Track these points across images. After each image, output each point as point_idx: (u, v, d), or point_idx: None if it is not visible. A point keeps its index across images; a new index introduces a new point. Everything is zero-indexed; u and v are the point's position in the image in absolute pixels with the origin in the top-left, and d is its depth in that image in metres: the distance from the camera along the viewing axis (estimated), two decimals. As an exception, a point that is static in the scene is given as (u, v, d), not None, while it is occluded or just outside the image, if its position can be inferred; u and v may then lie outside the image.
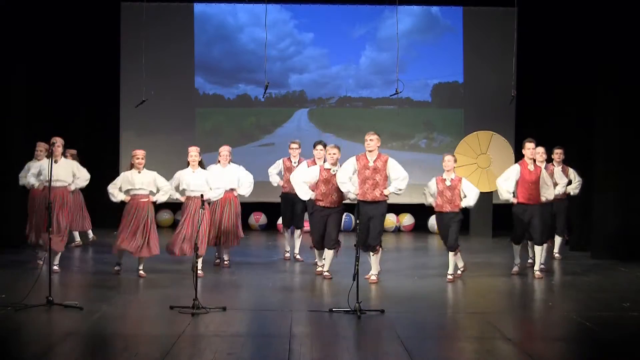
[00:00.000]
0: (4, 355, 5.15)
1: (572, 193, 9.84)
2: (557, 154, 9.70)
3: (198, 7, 13.90)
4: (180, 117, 13.83)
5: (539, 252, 8.64)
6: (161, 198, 8.36)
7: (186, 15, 13.84)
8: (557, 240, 10.00)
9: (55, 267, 8.12)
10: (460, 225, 8.42)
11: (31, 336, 5.64)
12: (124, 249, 8.09)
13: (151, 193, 8.30)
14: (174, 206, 13.91)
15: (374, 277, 8.10)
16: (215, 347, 5.29)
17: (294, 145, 9.69)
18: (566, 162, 9.74)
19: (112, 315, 6.33)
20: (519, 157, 12.90)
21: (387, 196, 8.02)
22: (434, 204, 8.48)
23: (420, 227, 13.83)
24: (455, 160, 8.47)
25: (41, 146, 9.32)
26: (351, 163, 8.10)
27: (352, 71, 14.04)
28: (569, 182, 9.77)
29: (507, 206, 13.45)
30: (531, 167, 8.64)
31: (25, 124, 10.47)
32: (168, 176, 8.56)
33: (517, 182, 8.62)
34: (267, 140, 13.66)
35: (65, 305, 6.44)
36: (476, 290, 7.91)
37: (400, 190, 8.02)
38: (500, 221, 13.09)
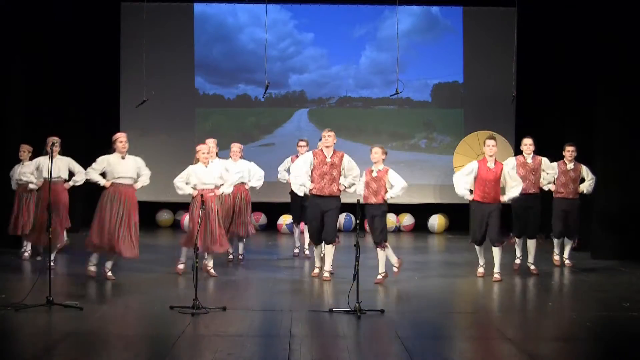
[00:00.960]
0: (4, 355, 5.15)
1: (585, 191, 9.41)
2: (569, 151, 9.32)
3: (198, 7, 13.90)
4: (180, 117, 13.84)
5: (497, 254, 8.30)
6: (227, 190, 8.44)
7: (186, 15, 13.84)
8: (567, 243, 9.51)
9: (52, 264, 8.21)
10: (385, 218, 8.23)
11: (31, 336, 5.64)
12: (200, 245, 7.78)
13: (215, 187, 8.28)
14: (174, 206, 13.92)
15: (326, 274, 8.19)
16: (215, 347, 5.29)
17: (302, 143, 9.80)
18: (579, 160, 9.37)
19: (112, 315, 6.32)
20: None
21: (340, 192, 8.21)
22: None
23: (420, 227, 13.83)
24: (385, 153, 8.25)
25: (24, 148, 9.38)
26: (308, 158, 8.27)
27: (352, 71, 14.04)
28: (582, 180, 9.40)
29: (507, 206, 13.49)
30: (490, 164, 8.34)
31: (25, 124, 10.47)
32: (170, 174, 8.55)
33: (475, 179, 8.40)
34: (267, 140, 13.66)
35: (65, 305, 6.43)
36: (476, 290, 7.91)
37: (393, 197, 8.19)
38: (500, 221, 13.09)
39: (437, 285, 8.06)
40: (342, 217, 13.37)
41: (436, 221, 13.57)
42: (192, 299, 6.40)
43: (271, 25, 12.71)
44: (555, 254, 9.46)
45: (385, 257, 8.12)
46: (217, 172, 8.35)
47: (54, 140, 8.18)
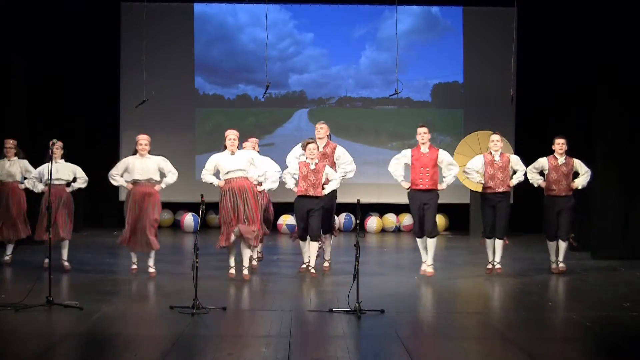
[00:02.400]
0: (4, 355, 5.15)
1: (580, 186, 8.72)
2: (559, 144, 8.66)
3: (198, 7, 13.90)
4: (180, 117, 13.85)
5: (431, 247, 8.24)
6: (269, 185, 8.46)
7: (186, 16, 13.85)
8: (562, 245, 8.70)
9: (66, 263, 8.42)
10: (322, 213, 8.26)
11: (31, 336, 5.63)
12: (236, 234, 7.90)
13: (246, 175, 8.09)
14: (174, 206, 13.92)
15: (313, 270, 8.32)
16: (215, 347, 5.29)
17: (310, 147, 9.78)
18: (570, 154, 8.73)
19: (112, 315, 6.32)
20: (519, 156, 12.94)
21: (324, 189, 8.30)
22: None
23: (420, 227, 13.83)
24: (318, 148, 8.26)
25: (9, 143, 9.02)
26: (299, 148, 8.54)
27: (352, 71, 14.05)
28: (575, 175, 8.74)
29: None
30: (424, 149, 8.34)
31: (25, 124, 10.47)
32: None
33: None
34: (267, 141, 13.66)
35: (65, 305, 6.43)
36: (476, 290, 7.90)
37: (345, 175, 8.50)
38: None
39: (437, 285, 8.06)
40: (342, 217, 13.37)
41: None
42: (192, 299, 6.40)
43: (271, 25, 12.71)
44: (552, 261, 8.77)
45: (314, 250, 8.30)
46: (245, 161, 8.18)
47: (54, 141, 8.15)
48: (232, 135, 8.21)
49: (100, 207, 13.66)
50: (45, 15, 11.31)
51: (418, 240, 8.44)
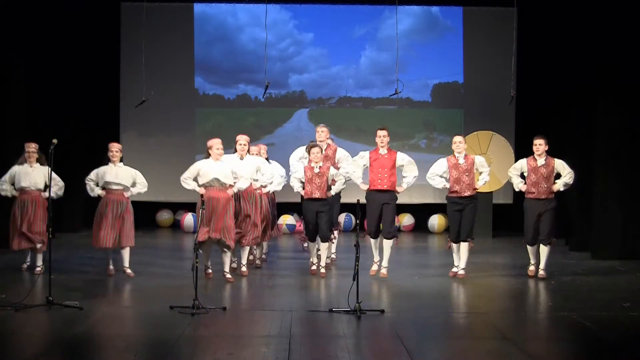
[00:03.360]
0: (4, 355, 5.15)
1: (561, 188, 8.28)
2: (536, 144, 8.30)
3: (198, 7, 13.90)
4: (180, 117, 13.85)
5: (387, 248, 8.20)
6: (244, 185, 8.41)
7: (186, 15, 13.85)
8: (544, 250, 8.35)
9: (129, 270, 8.22)
10: (331, 214, 8.50)
11: (31, 336, 5.64)
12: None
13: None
14: (174, 206, 13.92)
15: (322, 270, 8.37)
16: (215, 347, 5.29)
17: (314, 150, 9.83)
18: (552, 154, 8.37)
19: (112, 315, 6.32)
20: (519, 157, 12.95)
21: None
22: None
23: (420, 227, 13.85)
24: (321, 151, 8.32)
25: (31, 147, 8.50)
26: (302, 150, 8.76)
27: (352, 71, 14.05)
28: (558, 176, 8.35)
29: (507, 206, 13.51)
30: (382, 151, 8.20)
31: (25, 125, 10.47)
32: (169, 174, 8.53)
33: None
34: (267, 141, 13.64)
35: (65, 305, 6.43)
36: (476, 290, 7.90)
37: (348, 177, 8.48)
38: (500, 221, 13.11)
39: (437, 285, 8.06)
40: (342, 217, 13.37)
41: (436, 221, 13.58)
42: (192, 299, 6.39)
43: (271, 25, 12.71)
44: (531, 264, 8.52)
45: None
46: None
47: (54, 141, 8.12)
48: (242, 140, 8.35)
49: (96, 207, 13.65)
50: (45, 15, 11.31)
51: (372, 240, 8.40)
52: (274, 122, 14.00)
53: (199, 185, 7.90)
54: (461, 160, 8.27)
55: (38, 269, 8.24)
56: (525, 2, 11.93)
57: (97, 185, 8.19)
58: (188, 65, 13.88)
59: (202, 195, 7.79)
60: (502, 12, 13.22)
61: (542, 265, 8.38)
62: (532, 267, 8.55)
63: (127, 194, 8.19)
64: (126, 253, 8.20)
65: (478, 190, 8.44)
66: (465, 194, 8.24)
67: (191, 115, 13.95)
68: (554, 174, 8.31)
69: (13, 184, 8.37)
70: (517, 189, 8.56)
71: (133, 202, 8.36)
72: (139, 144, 13.64)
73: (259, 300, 7.24)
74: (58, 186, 8.30)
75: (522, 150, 13.20)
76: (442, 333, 6.04)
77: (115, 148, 8.18)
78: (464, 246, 8.34)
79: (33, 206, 8.26)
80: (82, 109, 13.02)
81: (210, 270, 8.22)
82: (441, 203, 13.59)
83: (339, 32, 13.96)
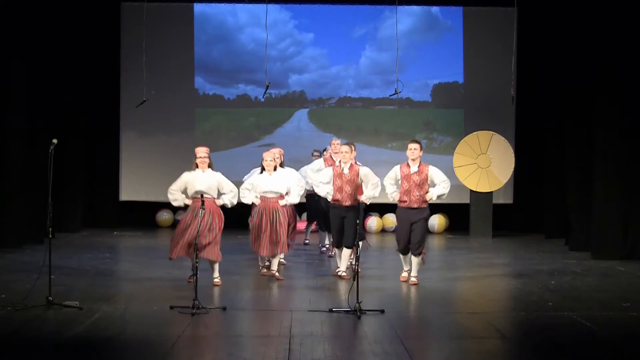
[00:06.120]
0: (4, 355, 5.15)
1: (434, 198, 7.79)
2: (410, 149, 7.80)
3: (198, 7, 13.90)
4: (180, 117, 13.85)
5: (346, 256, 8.21)
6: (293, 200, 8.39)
7: (186, 15, 13.84)
8: (414, 260, 7.94)
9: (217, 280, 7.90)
10: (356, 219, 8.16)
11: (31, 336, 5.64)
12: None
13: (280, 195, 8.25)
14: (173, 206, 13.89)
15: (343, 273, 8.26)
16: (215, 347, 5.30)
17: (316, 154, 9.80)
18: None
19: (112, 316, 6.32)
20: (519, 157, 12.99)
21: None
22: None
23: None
24: (351, 151, 8.06)
25: (203, 152, 7.79)
26: (320, 163, 8.92)
27: (352, 71, 14.04)
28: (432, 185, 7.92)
29: (507, 206, 13.50)
30: (345, 170, 8.06)
31: (25, 125, 10.46)
32: (170, 175, 8.52)
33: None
34: (267, 141, 13.65)
35: (65, 305, 6.43)
36: (476, 290, 7.90)
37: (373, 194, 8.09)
38: (500, 221, 13.10)
39: (437, 285, 8.06)
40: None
41: (436, 221, 13.57)
42: (192, 299, 6.40)
43: (271, 25, 12.71)
44: (404, 270, 8.13)
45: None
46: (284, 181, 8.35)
47: (55, 141, 8.10)
48: (268, 157, 8.27)
49: (100, 207, 13.65)
50: (45, 15, 11.30)
51: (336, 249, 8.44)
52: (274, 122, 13.99)
53: (188, 198, 7.68)
54: (346, 170, 8.08)
55: (216, 280, 7.82)
56: (525, 2, 11.93)
57: (183, 193, 7.75)
58: (188, 65, 13.88)
59: (202, 202, 7.29)
60: (502, 12, 13.22)
61: (413, 272, 8.00)
62: (404, 274, 8.16)
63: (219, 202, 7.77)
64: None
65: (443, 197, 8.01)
66: (414, 206, 7.79)
67: (191, 115, 13.94)
68: (428, 183, 7.85)
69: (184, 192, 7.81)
70: (390, 199, 8.05)
71: (133, 202, 8.36)
72: (139, 144, 13.64)
73: (259, 300, 7.24)
74: (233, 193, 7.77)
75: (522, 150, 13.26)
76: (442, 333, 6.05)
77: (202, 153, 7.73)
78: (415, 259, 7.98)
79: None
80: (82, 109, 13.02)
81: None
82: (442, 203, 13.63)
83: (339, 32, 13.95)
